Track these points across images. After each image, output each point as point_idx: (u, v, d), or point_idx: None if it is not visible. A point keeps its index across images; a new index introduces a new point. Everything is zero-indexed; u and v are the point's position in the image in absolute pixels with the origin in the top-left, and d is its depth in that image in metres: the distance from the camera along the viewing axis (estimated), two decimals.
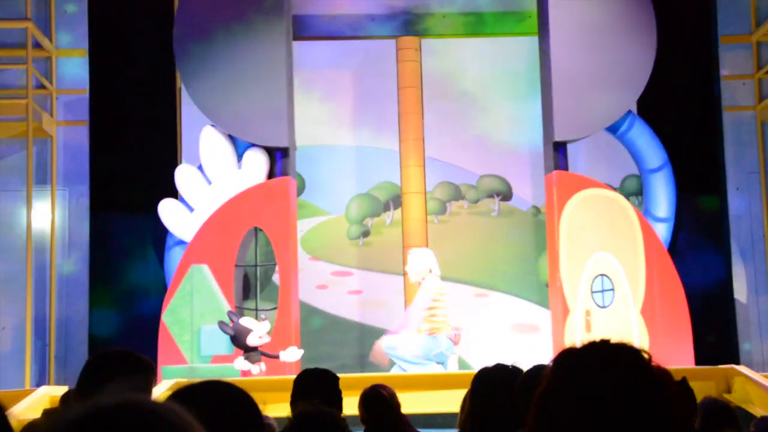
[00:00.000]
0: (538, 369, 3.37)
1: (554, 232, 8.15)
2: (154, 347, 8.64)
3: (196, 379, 1.58)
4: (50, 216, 8.80)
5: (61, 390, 6.98)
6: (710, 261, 9.37)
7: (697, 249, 9.43)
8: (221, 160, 8.40)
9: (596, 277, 8.10)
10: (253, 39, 8.41)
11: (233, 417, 1.60)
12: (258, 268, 8.59)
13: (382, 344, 7.67)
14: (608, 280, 8.15)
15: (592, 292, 8.12)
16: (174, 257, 8.51)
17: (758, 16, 9.18)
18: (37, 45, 8.73)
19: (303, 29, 9.24)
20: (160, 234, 9.43)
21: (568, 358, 1.48)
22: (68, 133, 8.89)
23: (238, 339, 7.80)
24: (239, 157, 8.46)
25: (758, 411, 6.04)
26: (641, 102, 8.98)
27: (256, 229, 8.33)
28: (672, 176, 8.72)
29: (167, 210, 8.39)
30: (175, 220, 8.38)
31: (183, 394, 1.61)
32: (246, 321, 7.84)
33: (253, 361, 7.84)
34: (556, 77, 8.35)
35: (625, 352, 1.46)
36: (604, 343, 1.50)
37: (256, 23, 8.43)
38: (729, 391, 6.59)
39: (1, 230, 8.79)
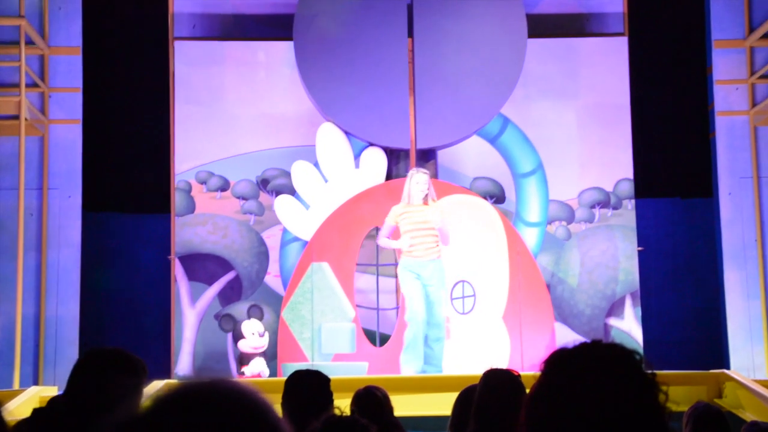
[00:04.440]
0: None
1: None
2: (145, 347, 8.62)
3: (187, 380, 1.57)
4: (42, 215, 8.77)
5: (51, 390, 6.96)
6: (702, 266, 9.38)
7: (689, 254, 9.43)
8: (339, 158, 8.41)
9: (456, 283, 8.05)
10: (374, 36, 8.54)
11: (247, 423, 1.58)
12: (378, 267, 8.56)
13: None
14: (469, 286, 8.12)
15: (452, 299, 8.08)
16: (289, 253, 8.55)
17: (752, 21, 9.20)
18: (30, 42, 8.71)
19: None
20: (151, 233, 9.40)
21: (559, 360, 1.47)
22: (61, 132, 8.86)
23: (235, 339, 7.92)
24: (356, 155, 8.50)
25: (749, 416, 6.04)
26: (634, 107, 9.00)
27: (377, 228, 8.35)
28: (545, 180, 8.79)
29: (283, 206, 8.39)
30: (290, 216, 8.38)
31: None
32: (247, 326, 7.90)
33: (243, 363, 7.90)
34: (419, 85, 8.47)
35: (618, 354, 1.45)
36: (596, 345, 1.49)
37: (376, 20, 8.54)
38: (720, 396, 6.59)
39: None
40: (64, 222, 8.74)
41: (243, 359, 7.97)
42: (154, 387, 6.27)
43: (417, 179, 7.28)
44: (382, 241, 7.45)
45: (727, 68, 9.14)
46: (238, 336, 8.06)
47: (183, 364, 8.55)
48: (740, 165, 9.03)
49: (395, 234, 7.43)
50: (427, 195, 7.30)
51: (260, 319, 8.10)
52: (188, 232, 8.77)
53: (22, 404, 6.28)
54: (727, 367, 8.33)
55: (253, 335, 7.90)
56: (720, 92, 9.10)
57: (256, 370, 7.92)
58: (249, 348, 7.90)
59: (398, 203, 7.45)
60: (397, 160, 8.67)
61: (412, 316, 7.23)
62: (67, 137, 8.83)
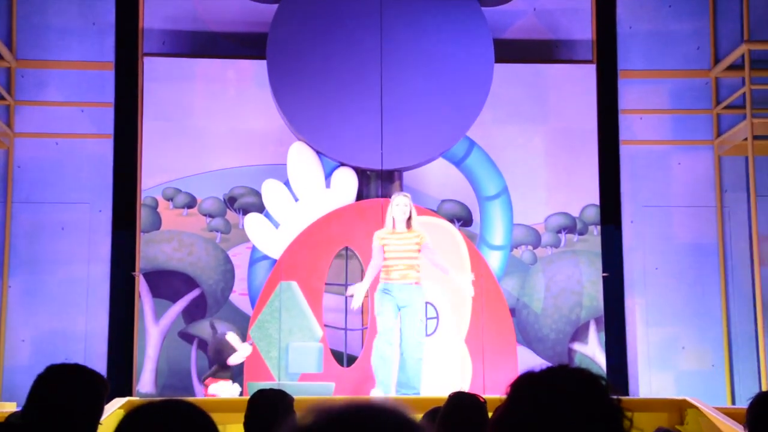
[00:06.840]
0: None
1: None
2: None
3: (151, 399, 1.55)
4: (5, 228, 8.67)
5: (9, 406, 6.84)
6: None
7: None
8: (310, 178, 8.38)
9: None
10: (347, 57, 8.52)
11: None
12: (346, 287, 8.48)
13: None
14: (432, 308, 8.15)
15: None
16: (258, 272, 8.48)
17: (717, 52, 9.34)
18: None
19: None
20: (116, 249, 9.30)
21: (526, 383, 1.47)
22: (93, 146, 8.83)
23: (218, 353, 7.78)
24: (326, 175, 8.47)
25: None
26: (601, 133, 9.06)
27: (346, 248, 8.28)
28: (509, 204, 8.85)
29: (252, 224, 8.33)
30: (259, 235, 8.32)
31: (143, 413, 1.57)
32: (232, 338, 7.82)
33: (218, 377, 7.81)
34: (386, 106, 8.53)
35: (585, 379, 1.45)
36: (563, 369, 1.49)
37: (350, 40, 8.53)
38: (682, 423, 6.63)
39: None
40: (93, 237, 8.75)
41: (218, 374, 7.84)
42: (114, 404, 6.20)
43: (398, 201, 7.31)
44: (376, 264, 7.29)
45: (688, 97, 9.25)
46: (223, 349, 7.93)
47: (145, 382, 8.46)
48: (643, 194, 9.17)
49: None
50: (410, 218, 7.30)
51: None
52: (153, 249, 8.70)
53: None
54: (626, 394, 8.44)
55: (242, 343, 7.83)
56: (624, 122, 9.22)
57: (220, 391, 7.82)
58: (240, 358, 7.79)
59: (368, 223, 7.43)
60: (367, 181, 8.67)
61: (382, 331, 7.18)
62: (98, 151, 8.81)
